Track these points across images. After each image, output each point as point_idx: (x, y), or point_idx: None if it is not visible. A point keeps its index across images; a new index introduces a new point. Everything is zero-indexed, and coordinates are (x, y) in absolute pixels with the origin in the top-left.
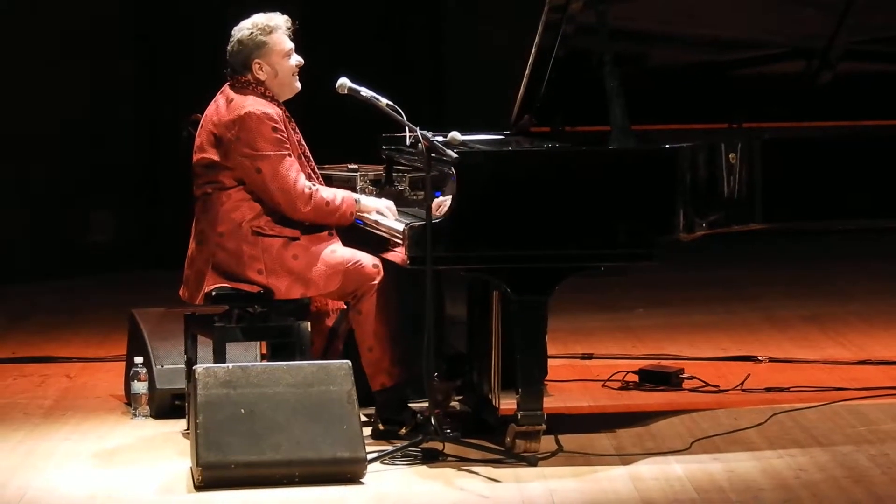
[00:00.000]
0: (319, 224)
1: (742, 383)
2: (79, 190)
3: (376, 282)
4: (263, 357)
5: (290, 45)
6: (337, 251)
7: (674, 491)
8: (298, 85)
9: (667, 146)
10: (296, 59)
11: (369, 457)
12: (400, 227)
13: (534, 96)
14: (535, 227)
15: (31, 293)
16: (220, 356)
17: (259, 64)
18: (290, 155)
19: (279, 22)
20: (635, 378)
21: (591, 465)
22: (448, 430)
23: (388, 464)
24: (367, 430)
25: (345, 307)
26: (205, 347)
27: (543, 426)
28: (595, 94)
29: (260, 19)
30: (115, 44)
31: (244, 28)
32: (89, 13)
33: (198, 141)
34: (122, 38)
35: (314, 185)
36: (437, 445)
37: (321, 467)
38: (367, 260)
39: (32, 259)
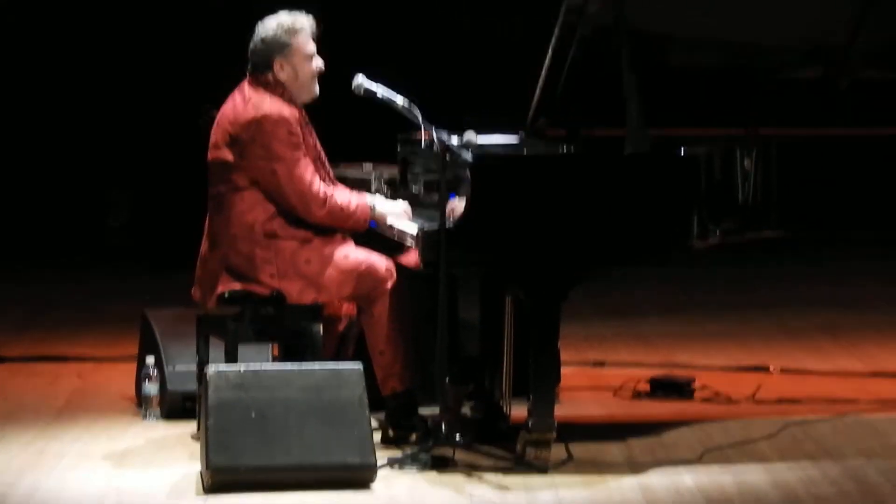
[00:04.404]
0: (333, 228)
1: (754, 394)
2: (96, 182)
3: (389, 285)
4: (275, 359)
5: (314, 48)
6: (350, 255)
7: (684, 502)
8: (317, 89)
9: (682, 151)
10: (317, 63)
11: (379, 462)
12: (414, 229)
13: (550, 98)
14: (549, 231)
15: (44, 291)
16: (231, 357)
17: (281, 64)
18: (305, 157)
19: (304, 24)
20: (647, 387)
21: (601, 475)
22: (458, 437)
23: (398, 469)
24: (378, 436)
25: (356, 313)
26: (217, 349)
27: (554, 434)
28: (611, 97)
29: (285, 19)
30: (138, 32)
31: (269, 26)
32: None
33: (213, 139)
34: (145, 27)
35: (330, 188)
36: (448, 451)
37: (331, 472)
38: (381, 263)
39: (49, 252)
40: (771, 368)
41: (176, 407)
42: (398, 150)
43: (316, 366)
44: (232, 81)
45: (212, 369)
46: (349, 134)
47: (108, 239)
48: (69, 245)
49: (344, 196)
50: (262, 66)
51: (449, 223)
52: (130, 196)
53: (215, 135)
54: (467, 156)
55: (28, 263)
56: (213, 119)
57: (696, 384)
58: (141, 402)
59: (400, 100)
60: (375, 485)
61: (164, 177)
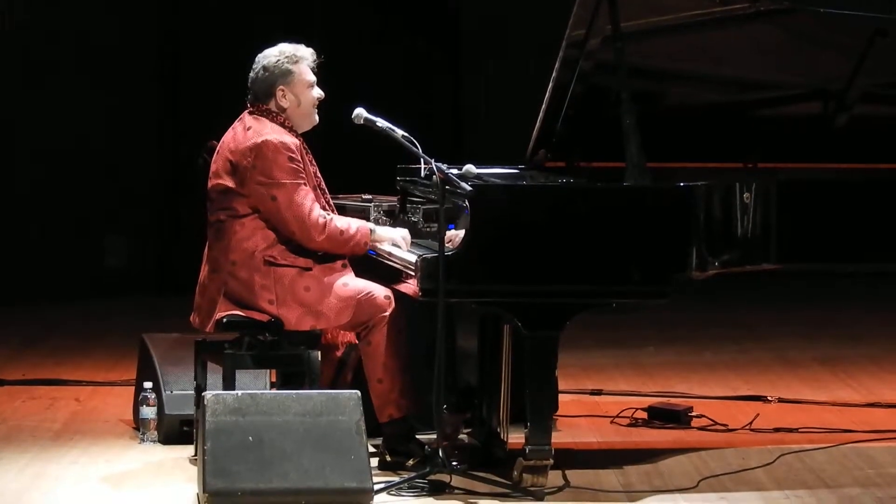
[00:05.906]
0: (333, 254)
1: (751, 423)
2: (95, 214)
3: (387, 313)
4: (273, 385)
5: (314, 77)
6: (349, 283)
7: None
8: (317, 118)
9: (682, 184)
10: (318, 92)
11: (376, 487)
12: (413, 258)
13: (550, 131)
14: (547, 262)
15: (44, 316)
16: (229, 383)
17: (283, 91)
18: (305, 184)
19: (305, 53)
20: (644, 415)
21: (597, 501)
22: (456, 463)
23: (394, 495)
24: (375, 461)
25: (355, 341)
26: (214, 374)
27: (551, 461)
28: (611, 131)
29: (287, 48)
30: (137, 69)
31: (270, 55)
32: (112, 37)
33: (213, 167)
34: (144, 63)
35: (329, 214)
36: (445, 477)
37: (328, 497)
38: (379, 291)
39: (47, 282)
40: (768, 398)
41: (173, 431)
42: (398, 180)
43: (314, 391)
44: (228, 119)
45: (209, 393)
46: (348, 165)
47: (107, 279)
48: (67, 278)
49: (343, 221)
50: (264, 94)
51: (448, 253)
52: (127, 238)
53: (216, 163)
54: (466, 186)
55: (26, 290)
56: (212, 150)
57: (694, 413)
58: (139, 426)
59: (399, 130)
60: None
61: (164, 218)
